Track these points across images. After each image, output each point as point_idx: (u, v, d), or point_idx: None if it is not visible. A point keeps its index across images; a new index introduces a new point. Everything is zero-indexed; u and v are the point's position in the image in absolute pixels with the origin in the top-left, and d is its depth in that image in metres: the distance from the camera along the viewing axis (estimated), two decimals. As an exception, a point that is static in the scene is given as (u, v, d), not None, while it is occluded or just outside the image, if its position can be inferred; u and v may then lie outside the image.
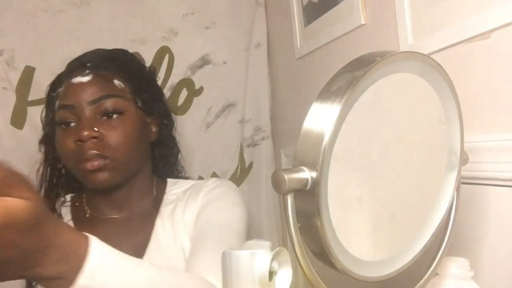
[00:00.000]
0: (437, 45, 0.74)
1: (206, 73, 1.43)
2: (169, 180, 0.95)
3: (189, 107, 1.42)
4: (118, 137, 0.81)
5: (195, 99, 1.43)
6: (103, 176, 0.80)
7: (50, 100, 0.88)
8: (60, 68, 0.90)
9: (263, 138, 1.47)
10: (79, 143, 0.79)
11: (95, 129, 0.80)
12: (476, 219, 0.69)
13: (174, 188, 0.93)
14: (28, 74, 1.28)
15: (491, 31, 0.65)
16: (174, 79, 1.40)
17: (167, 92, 1.39)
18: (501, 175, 0.64)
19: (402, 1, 0.81)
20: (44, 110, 0.90)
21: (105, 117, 0.82)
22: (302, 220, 0.43)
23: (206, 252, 0.75)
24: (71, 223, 0.88)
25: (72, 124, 0.82)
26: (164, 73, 1.39)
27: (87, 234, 0.48)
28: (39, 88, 1.18)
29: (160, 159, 0.97)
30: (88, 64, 0.85)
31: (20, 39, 1.28)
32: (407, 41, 0.81)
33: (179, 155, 1.04)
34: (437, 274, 0.58)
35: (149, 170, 0.92)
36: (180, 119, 1.38)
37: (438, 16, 0.74)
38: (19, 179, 0.41)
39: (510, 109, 0.64)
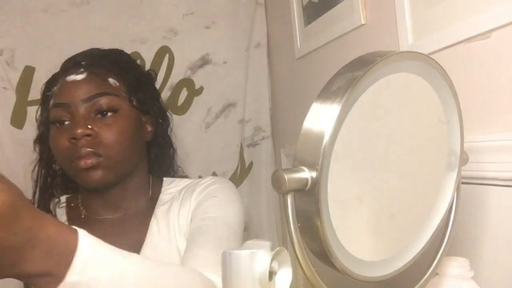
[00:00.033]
0: (437, 45, 0.74)
1: (206, 73, 1.43)
2: (165, 179, 0.95)
3: (189, 107, 1.42)
4: (112, 135, 0.80)
5: (195, 99, 1.43)
6: (96, 174, 0.79)
7: (45, 99, 0.88)
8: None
9: (263, 138, 1.47)
10: (73, 141, 0.79)
11: (89, 126, 0.79)
12: (476, 219, 0.69)
13: (170, 187, 0.92)
14: (28, 74, 1.28)
15: (491, 31, 0.65)
16: (174, 79, 1.40)
17: (167, 92, 1.39)
18: (501, 175, 0.64)
19: (402, 1, 0.81)
20: (39, 109, 0.90)
21: (99, 115, 0.81)
22: (302, 220, 0.43)
23: (202, 247, 0.74)
24: None
25: (66, 123, 0.82)
26: (164, 73, 1.39)
27: (74, 227, 0.46)
28: (39, 88, 1.17)
29: (156, 159, 0.96)
30: (83, 63, 0.84)
31: (20, 39, 1.28)
32: (407, 41, 0.81)
33: (177, 156, 1.03)
34: (437, 274, 0.58)
35: (144, 170, 0.92)
36: (180, 119, 1.38)
37: (438, 16, 0.74)
38: None
39: (510, 109, 0.64)
